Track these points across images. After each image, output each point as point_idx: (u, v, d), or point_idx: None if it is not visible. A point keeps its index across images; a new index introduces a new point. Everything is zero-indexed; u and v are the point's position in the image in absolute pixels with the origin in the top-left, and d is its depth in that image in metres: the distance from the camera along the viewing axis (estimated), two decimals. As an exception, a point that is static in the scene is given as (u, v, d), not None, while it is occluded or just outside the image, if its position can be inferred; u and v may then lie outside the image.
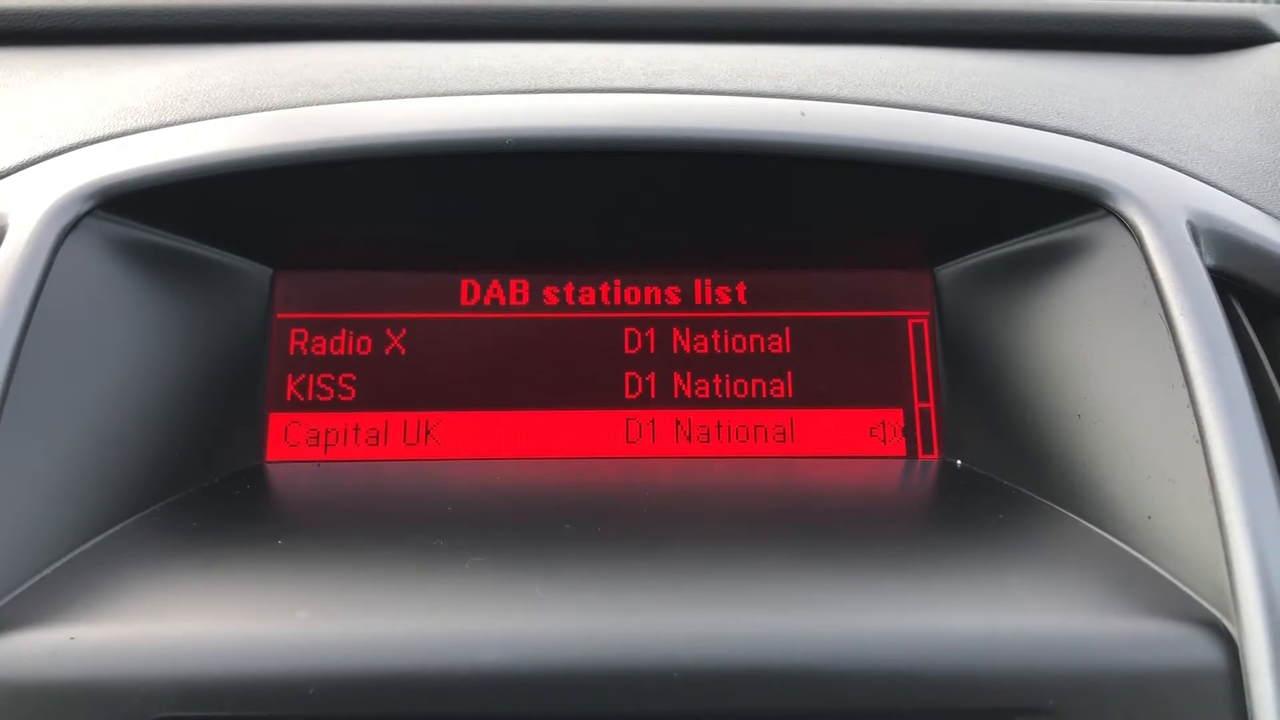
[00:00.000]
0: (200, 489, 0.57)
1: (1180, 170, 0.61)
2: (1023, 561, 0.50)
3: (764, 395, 0.62)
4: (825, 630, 0.43)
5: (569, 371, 0.62)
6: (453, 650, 0.42)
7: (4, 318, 0.52)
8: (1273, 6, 0.89)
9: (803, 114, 0.59)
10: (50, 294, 0.54)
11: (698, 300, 0.64)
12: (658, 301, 0.64)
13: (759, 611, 0.44)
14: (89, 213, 0.56)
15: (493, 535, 0.52)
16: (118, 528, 0.53)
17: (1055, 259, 0.59)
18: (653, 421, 0.62)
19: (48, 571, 0.49)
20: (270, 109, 0.62)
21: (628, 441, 0.62)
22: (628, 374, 0.62)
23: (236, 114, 0.62)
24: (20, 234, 0.55)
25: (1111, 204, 0.56)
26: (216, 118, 0.61)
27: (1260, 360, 0.54)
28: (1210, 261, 0.55)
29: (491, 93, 0.62)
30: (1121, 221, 0.56)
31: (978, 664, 0.43)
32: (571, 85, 0.63)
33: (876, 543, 0.52)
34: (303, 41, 0.80)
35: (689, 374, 0.62)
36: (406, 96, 0.62)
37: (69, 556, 0.50)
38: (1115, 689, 0.43)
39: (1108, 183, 0.57)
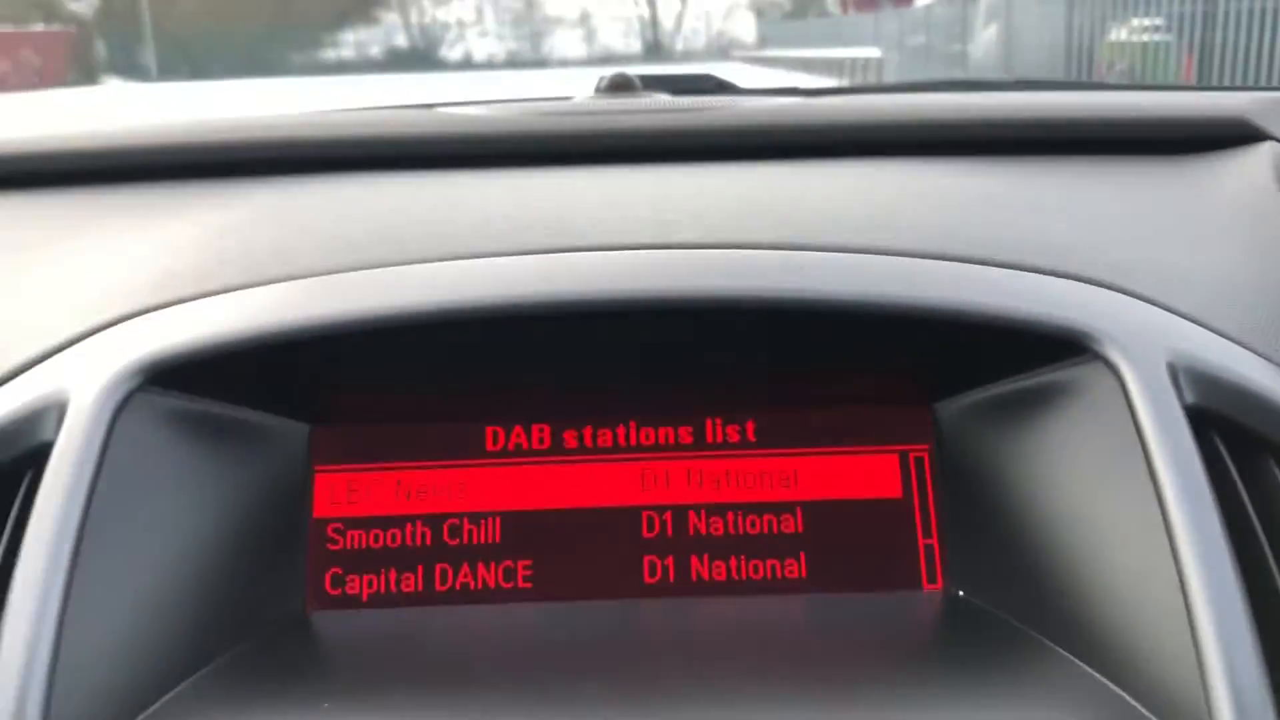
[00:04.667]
0: (248, 647, 0.61)
1: (1163, 307, 0.64)
2: (1014, 699, 0.54)
3: (778, 576, 0.66)
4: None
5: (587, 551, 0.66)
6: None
7: (69, 496, 0.57)
8: (1260, 98, 0.92)
9: (801, 268, 0.64)
10: (110, 465, 0.58)
11: (709, 439, 0.67)
12: (671, 441, 0.67)
13: None
14: (139, 388, 0.61)
15: (531, 681, 0.56)
16: (178, 689, 0.57)
17: (1047, 399, 0.62)
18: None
19: None
20: (304, 274, 0.66)
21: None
22: (646, 559, 0.66)
23: (272, 280, 0.66)
24: (81, 410, 0.60)
25: (1097, 348, 0.60)
26: (253, 286, 0.66)
27: (1242, 498, 0.57)
28: (1190, 400, 0.58)
29: (508, 253, 0.67)
30: (1106, 364, 0.59)
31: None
32: (585, 242, 0.68)
33: (875, 674, 0.55)
34: (322, 174, 0.85)
35: (705, 556, 0.66)
36: (431, 259, 0.67)
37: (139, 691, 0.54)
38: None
39: (1092, 327, 0.60)
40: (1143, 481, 0.56)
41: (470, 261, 0.66)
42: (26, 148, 0.95)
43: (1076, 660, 0.56)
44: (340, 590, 0.66)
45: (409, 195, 0.82)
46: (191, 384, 0.63)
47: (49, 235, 0.82)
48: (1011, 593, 0.62)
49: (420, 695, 0.56)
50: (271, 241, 0.72)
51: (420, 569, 0.66)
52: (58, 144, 0.95)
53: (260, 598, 0.64)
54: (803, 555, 0.66)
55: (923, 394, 0.67)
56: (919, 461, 0.67)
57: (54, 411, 0.61)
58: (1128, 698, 0.53)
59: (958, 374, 0.66)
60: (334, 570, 0.66)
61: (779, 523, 0.66)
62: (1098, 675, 0.55)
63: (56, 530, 0.56)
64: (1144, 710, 0.52)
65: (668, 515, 0.67)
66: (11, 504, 0.60)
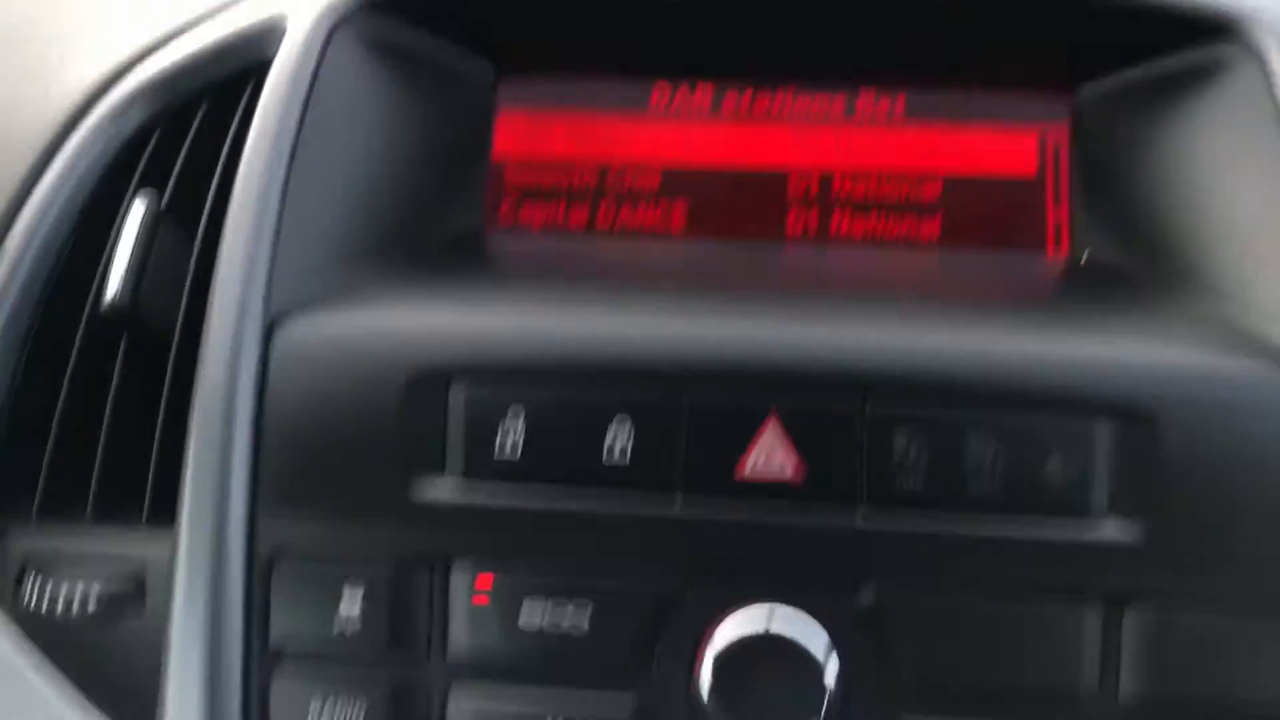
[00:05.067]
0: (432, 253, 0.69)
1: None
2: (1140, 314, 0.59)
3: (914, 235, 0.71)
4: (962, 333, 0.53)
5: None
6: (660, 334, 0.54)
7: (291, 98, 0.64)
8: None
9: None
10: (319, 83, 0.66)
11: (859, 109, 0.73)
12: (825, 109, 0.73)
13: (897, 318, 0.55)
14: (351, 15, 0.68)
15: (680, 284, 0.63)
16: (364, 283, 0.65)
17: (1187, 82, 0.66)
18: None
19: (328, 276, 0.61)
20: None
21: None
22: (792, 211, 0.72)
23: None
24: (299, 31, 0.67)
25: (1242, 30, 0.63)
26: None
27: None
28: None
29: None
30: (1251, 47, 0.63)
31: (1089, 371, 0.52)
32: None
33: (1010, 295, 0.61)
34: None
35: (847, 212, 0.72)
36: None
37: (340, 270, 0.62)
38: (1213, 410, 0.51)
39: (1239, 10, 0.64)
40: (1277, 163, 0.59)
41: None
42: None
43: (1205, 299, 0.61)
44: (514, 218, 0.73)
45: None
46: (398, 15, 0.70)
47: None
48: (1138, 262, 0.67)
49: (583, 296, 0.63)
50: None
51: (586, 206, 0.73)
52: None
53: (442, 219, 0.72)
54: (939, 219, 0.71)
55: (1065, 76, 0.71)
56: (1056, 141, 0.71)
57: (275, 32, 0.69)
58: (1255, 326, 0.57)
59: (1100, 57, 0.70)
60: (509, 200, 0.73)
61: (919, 190, 0.72)
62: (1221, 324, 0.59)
63: (278, 126, 0.64)
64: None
65: (814, 176, 0.72)
66: (235, 112, 0.68)
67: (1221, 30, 0.65)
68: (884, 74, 0.72)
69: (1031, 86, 0.72)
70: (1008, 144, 0.72)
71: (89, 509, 0.62)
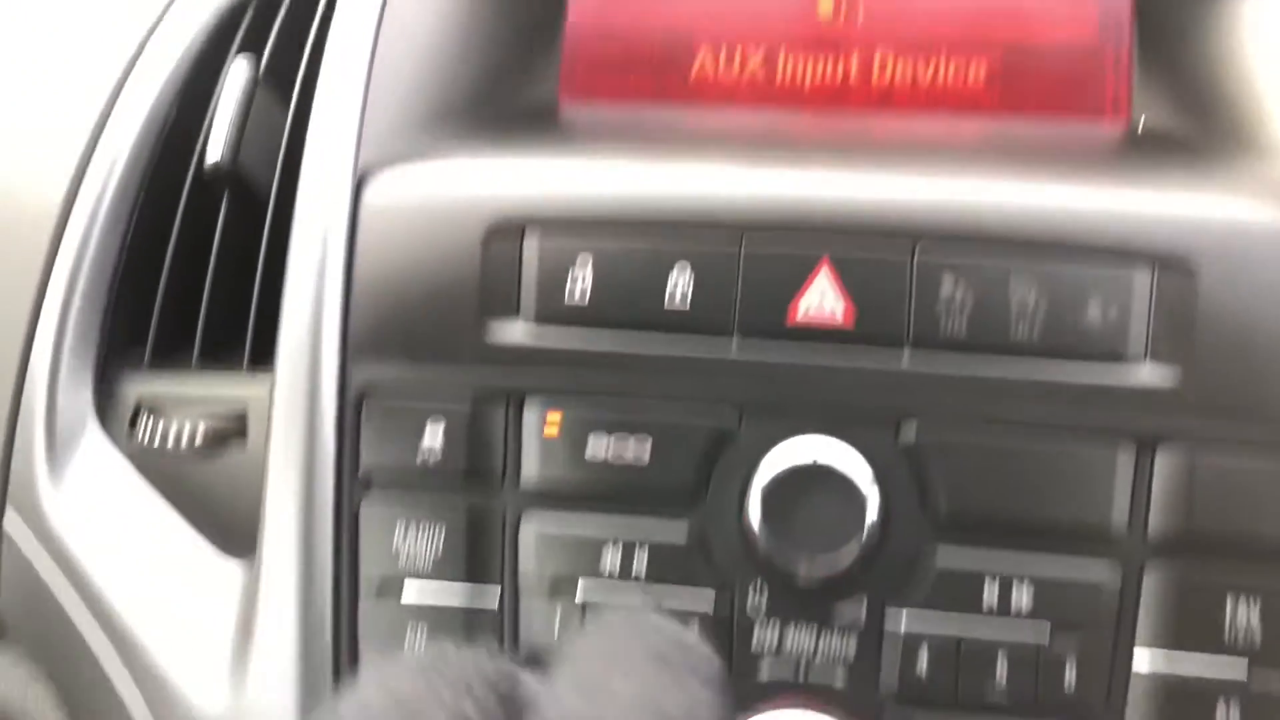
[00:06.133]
0: (510, 117, 0.72)
1: None
2: (1187, 168, 0.60)
3: (972, 96, 0.73)
4: (1013, 185, 0.56)
5: None
6: (719, 177, 0.57)
7: None
8: None
9: None
10: None
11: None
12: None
13: (945, 167, 0.57)
14: None
15: (745, 137, 0.66)
16: (441, 140, 0.69)
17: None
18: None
19: (415, 133, 0.65)
20: None
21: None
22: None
23: None
24: None
25: None
26: None
27: None
28: None
29: None
30: None
31: (1128, 217, 0.54)
32: None
33: (1057, 149, 0.63)
34: None
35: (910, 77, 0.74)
36: None
37: (425, 131, 0.66)
38: (1253, 256, 0.53)
39: None
40: None
41: None
42: None
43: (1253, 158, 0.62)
44: (589, 84, 0.76)
45: None
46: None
47: None
48: (1195, 129, 0.67)
49: (646, 153, 0.66)
50: None
51: (659, 74, 0.76)
52: None
53: (520, 87, 0.75)
54: (998, 84, 0.73)
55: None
56: (1118, 9, 0.72)
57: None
58: None
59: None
60: (584, 66, 0.76)
61: (978, 59, 0.73)
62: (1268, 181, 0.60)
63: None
64: None
65: (876, 45, 0.74)
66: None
67: None
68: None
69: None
70: (1069, 11, 0.72)
71: (195, 355, 0.68)
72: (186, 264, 0.69)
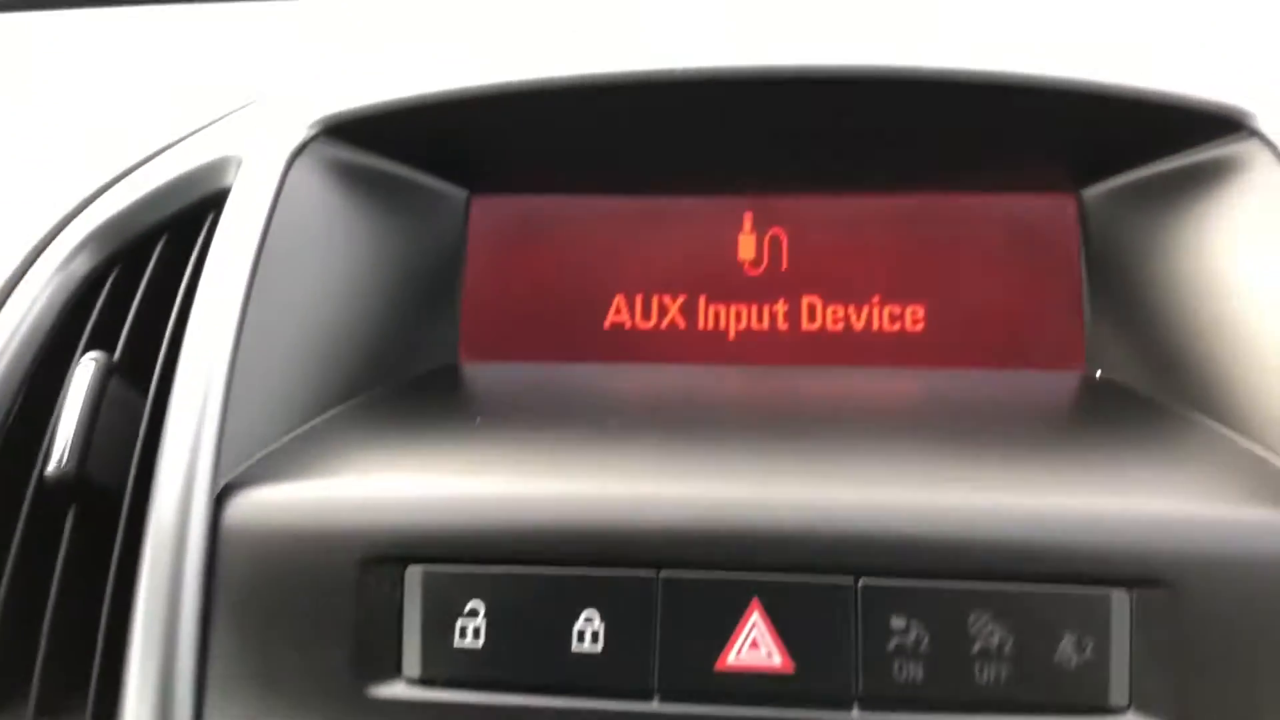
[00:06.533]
0: (406, 381, 0.65)
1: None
2: (1154, 454, 0.54)
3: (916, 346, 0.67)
4: (963, 501, 0.48)
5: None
6: (631, 506, 0.49)
7: (246, 229, 0.61)
8: None
9: (959, 49, 0.63)
10: (282, 208, 0.62)
11: (856, 220, 0.68)
12: (818, 220, 0.69)
13: (892, 483, 0.50)
14: (314, 138, 0.64)
15: (659, 421, 0.59)
16: (339, 408, 0.62)
17: (1200, 178, 0.62)
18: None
19: (285, 440, 0.57)
20: (464, 45, 0.69)
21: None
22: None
23: (437, 50, 0.69)
24: (258, 156, 0.64)
25: (1254, 124, 0.59)
26: (421, 54, 0.69)
27: None
28: None
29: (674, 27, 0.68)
30: (1264, 141, 0.58)
31: (1100, 536, 0.47)
32: (745, 21, 0.69)
33: (1014, 436, 0.56)
34: None
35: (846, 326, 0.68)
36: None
37: (302, 429, 0.59)
38: (1234, 570, 0.47)
39: (1250, 103, 0.59)
40: None
41: (631, 39, 0.68)
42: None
43: (1219, 425, 0.56)
44: (490, 344, 0.69)
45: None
46: (363, 140, 0.66)
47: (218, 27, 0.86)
48: (1153, 371, 0.62)
49: (551, 462, 0.59)
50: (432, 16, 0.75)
51: (565, 331, 0.69)
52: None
53: (416, 343, 0.68)
54: (937, 332, 0.67)
55: (1069, 180, 0.67)
56: (1065, 247, 0.67)
57: (234, 161, 0.65)
58: (1264, 452, 0.53)
59: (1105, 158, 0.65)
60: (485, 326, 0.69)
61: (914, 305, 0.67)
62: (1241, 438, 0.55)
63: (233, 265, 0.60)
64: None
65: (801, 288, 0.68)
66: (193, 244, 0.65)
67: (1232, 125, 0.60)
68: (882, 183, 0.68)
69: (1035, 190, 0.67)
70: (1012, 250, 0.67)
71: (31, 708, 0.58)
72: (28, 588, 0.60)
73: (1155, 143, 0.63)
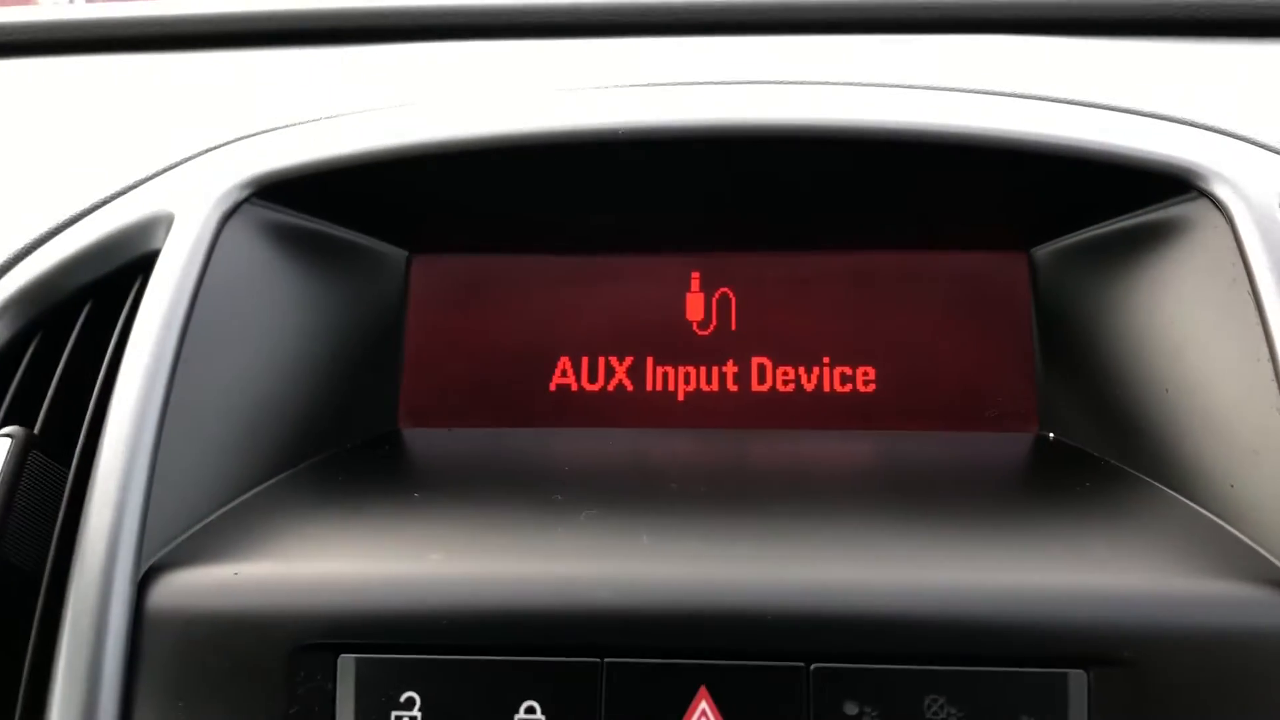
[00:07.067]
0: (343, 450, 0.63)
1: (1274, 150, 0.62)
2: (1108, 525, 0.53)
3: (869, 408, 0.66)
4: (915, 581, 0.47)
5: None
6: (571, 590, 0.47)
7: (176, 293, 0.59)
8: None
9: (908, 104, 0.63)
10: (213, 271, 0.60)
11: (805, 279, 0.67)
12: (767, 279, 0.67)
13: (843, 563, 0.48)
14: (247, 199, 0.62)
15: (602, 493, 0.57)
16: (272, 481, 0.59)
17: (1150, 239, 0.61)
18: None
19: (214, 517, 0.55)
20: (401, 105, 0.67)
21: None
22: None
23: (374, 109, 0.67)
24: (189, 219, 0.61)
25: (1203, 185, 0.58)
26: (356, 113, 0.67)
27: None
28: None
29: (614, 85, 0.67)
30: (1213, 202, 0.58)
31: (1055, 615, 0.46)
32: (690, 78, 0.68)
33: (967, 506, 0.55)
34: (424, 40, 0.85)
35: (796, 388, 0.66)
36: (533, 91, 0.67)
37: (232, 504, 0.56)
38: (1191, 645, 0.46)
39: (1199, 164, 0.59)
40: (1248, 314, 0.54)
41: (568, 92, 0.67)
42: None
43: (1171, 490, 0.56)
44: (431, 409, 0.67)
45: (517, 53, 0.82)
46: (298, 201, 0.64)
47: (157, 83, 0.84)
48: (1105, 433, 0.61)
49: (502, 503, 0.57)
50: (369, 79, 0.73)
51: (508, 394, 0.67)
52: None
53: (354, 409, 0.66)
54: (889, 394, 0.66)
55: (1019, 239, 0.66)
56: (1016, 306, 0.66)
57: (164, 222, 0.63)
58: (1223, 523, 0.52)
59: (1057, 218, 0.65)
60: (426, 391, 0.67)
61: (864, 367, 0.66)
62: (1193, 504, 0.54)
63: (160, 332, 0.58)
64: (1240, 534, 0.51)
65: (750, 351, 0.67)
66: (120, 310, 0.62)
67: (1182, 186, 0.60)
68: (832, 241, 0.67)
69: (986, 249, 0.67)
70: (965, 313, 0.66)
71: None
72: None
73: (1106, 202, 0.63)
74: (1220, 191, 0.58)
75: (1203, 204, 0.59)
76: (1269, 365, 0.52)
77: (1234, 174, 0.59)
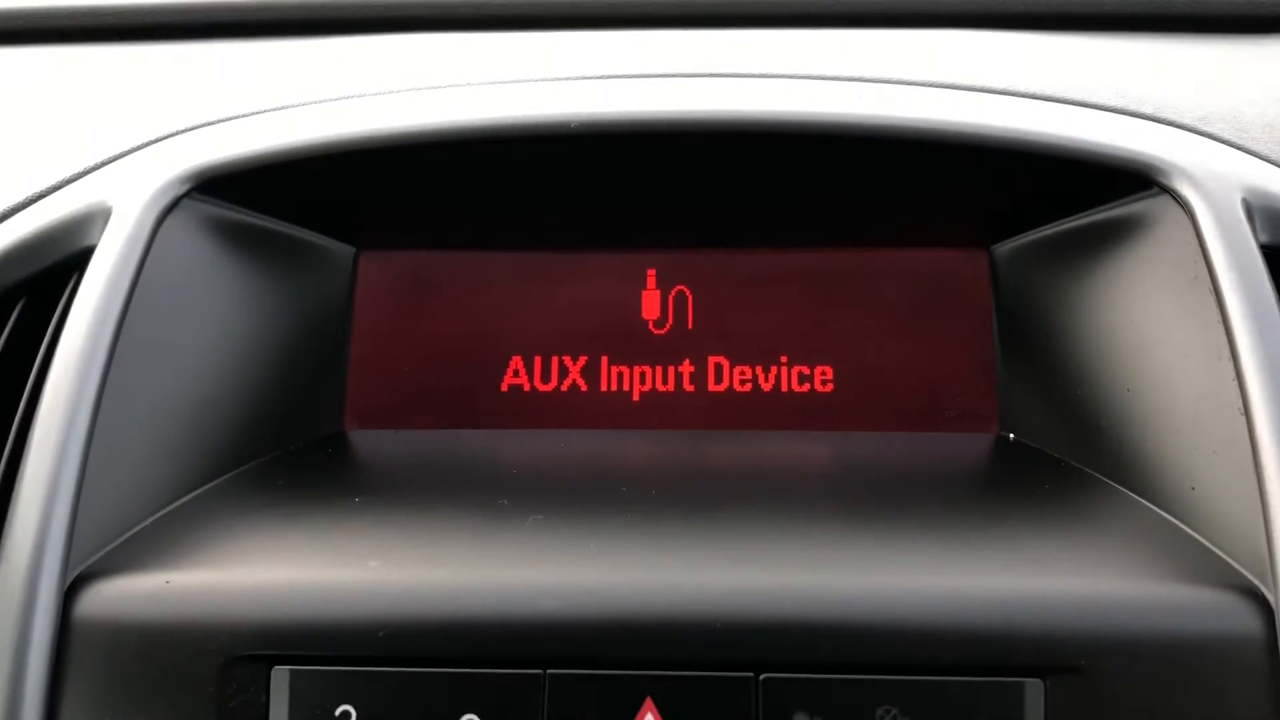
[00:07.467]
0: (285, 453, 0.61)
1: (1240, 148, 0.61)
2: (1066, 529, 0.52)
3: (828, 410, 0.65)
4: (868, 588, 0.46)
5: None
6: (513, 598, 0.46)
7: (110, 291, 0.56)
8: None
9: (870, 98, 0.61)
10: (151, 269, 0.58)
11: (763, 276, 0.66)
12: (724, 277, 0.66)
13: (793, 569, 0.47)
14: (186, 194, 0.60)
15: (552, 497, 0.55)
16: (210, 485, 0.57)
17: (1111, 235, 0.60)
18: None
19: (147, 523, 0.53)
20: (348, 97, 0.65)
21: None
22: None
23: (318, 101, 0.65)
24: (125, 214, 0.59)
25: (1165, 181, 0.57)
26: (300, 105, 0.65)
27: None
28: (1265, 239, 0.55)
29: (565, 79, 0.65)
30: (1175, 199, 0.57)
31: (1010, 622, 0.45)
32: (643, 71, 0.66)
33: (924, 510, 0.54)
34: (370, 33, 0.83)
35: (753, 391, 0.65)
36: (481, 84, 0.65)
37: (166, 510, 0.54)
38: (1149, 652, 0.45)
39: (1161, 160, 0.58)
40: (1209, 313, 0.53)
41: (516, 85, 0.65)
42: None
43: (1131, 493, 0.55)
44: (378, 410, 0.65)
45: (465, 46, 0.81)
46: (239, 196, 0.62)
47: (97, 76, 0.82)
48: (1066, 433, 0.60)
49: (446, 508, 0.56)
50: (314, 71, 0.71)
51: (459, 394, 0.65)
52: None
53: (299, 411, 0.64)
54: (847, 394, 0.64)
55: (980, 236, 0.65)
56: (976, 304, 0.65)
57: (100, 217, 0.61)
58: (1183, 526, 0.51)
59: (1018, 214, 0.64)
60: (373, 391, 0.66)
61: (823, 366, 0.65)
62: (1153, 506, 0.53)
63: (93, 331, 0.55)
64: (1200, 537, 0.50)
65: (705, 352, 0.66)
66: (53, 308, 0.60)
67: (1143, 182, 0.59)
68: (790, 238, 0.66)
69: (946, 246, 0.66)
70: (925, 312, 0.65)
71: None
72: None
73: (1067, 198, 0.62)
74: (1182, 188, 0.57)
75: (1164, 200, 0.58)
76: (1230, 364, 0.51)
77: (1196, 170, 0.58)
